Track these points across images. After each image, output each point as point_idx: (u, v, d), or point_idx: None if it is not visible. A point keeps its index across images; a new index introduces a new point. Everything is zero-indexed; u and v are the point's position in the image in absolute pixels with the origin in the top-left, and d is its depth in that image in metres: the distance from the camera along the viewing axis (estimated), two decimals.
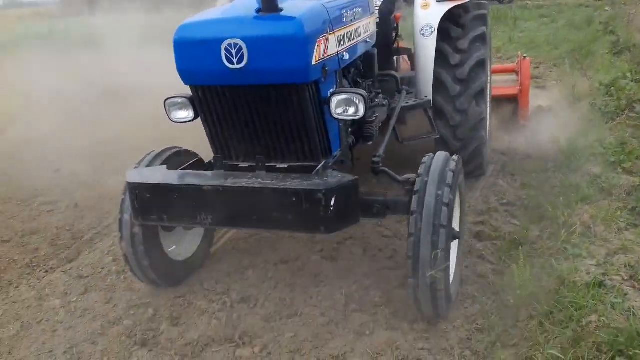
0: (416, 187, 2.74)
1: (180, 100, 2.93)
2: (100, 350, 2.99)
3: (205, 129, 3.00)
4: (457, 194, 3.00)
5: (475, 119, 4.34)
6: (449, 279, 2.80)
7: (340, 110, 2.76)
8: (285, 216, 2.59)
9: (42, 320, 3.30)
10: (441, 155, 2.92)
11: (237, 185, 2.67)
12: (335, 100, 2.75)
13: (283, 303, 3.28)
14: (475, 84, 4.29)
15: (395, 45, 4.61)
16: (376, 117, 3.50)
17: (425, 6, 4.23)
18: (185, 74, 2.76)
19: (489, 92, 4.92)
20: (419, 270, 2.65)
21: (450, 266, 2.87)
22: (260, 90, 2.70)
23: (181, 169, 3.09)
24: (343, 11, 2.97)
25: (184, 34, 2.68)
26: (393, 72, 4.26)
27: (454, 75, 4.28)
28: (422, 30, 4.19)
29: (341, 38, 2.89)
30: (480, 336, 2.86)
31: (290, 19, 2.53)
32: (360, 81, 3.59)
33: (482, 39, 4.38)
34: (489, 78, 4.68)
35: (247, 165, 2.99)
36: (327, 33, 2.69)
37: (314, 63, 2.58)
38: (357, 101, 2.73)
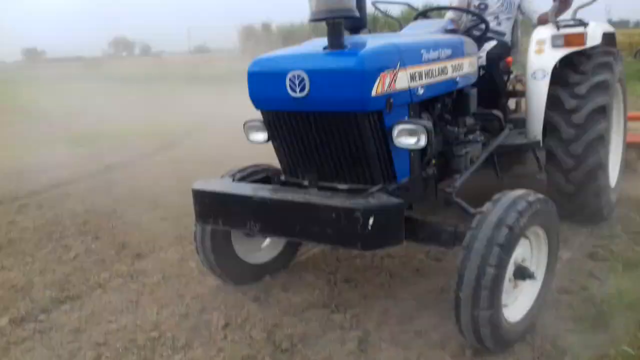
0: (473, 224, 2.76)
1: (256, 123, 3.27)
2: (220, 300, 3.51)
3: (274, 150, 3.31)
4: (540, 235, 3.02)
5: (591, 165, 4.19)
6: (499, 318, 2.74)
7: (402, 140, 2.89)
8: (325, 230, 2.73)
9: (179, 275, 3.95)
10: (515, 192, 2.90)
11: (281, 198, 2.90)
12: (397, 129, 2.89)
13: (381, 287, 3.58)
14: (592, 129, 4.16)
15: (510, 87, 4.82)
16: (466, 152, 3.63)
17: (539, 51, 4.29)
18: (255, 101, 3.12)
19: (617, 139, 4.99)
20: (460, 307, 2.68)
21: (515, 306, 2.95)
22: (321, 116, 2.94)
23: (245, 182, 3.40)
24: (423, 51, 3.12)
25: (255, 66, 3.06)
26: (495, 112, 4.35)
27: (569, 119, 4.21)
28: (534, 73, 4.27)
29: (415, 75, 3.02)
30: None
31: (351, 54, 2.78)
32: (447, 117, 3.67)
33: (605, 86, 4.28)
34: (611, 125, 4.51)
35: (307, 184, 3.20)
36: (395, 69, 2.85)
37: (374, 95, 2.75)
38: (419, 131, 2.85)
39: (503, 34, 4.72)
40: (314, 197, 2.85)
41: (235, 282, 3.74)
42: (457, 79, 3.52)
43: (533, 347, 2.91)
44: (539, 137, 4.30)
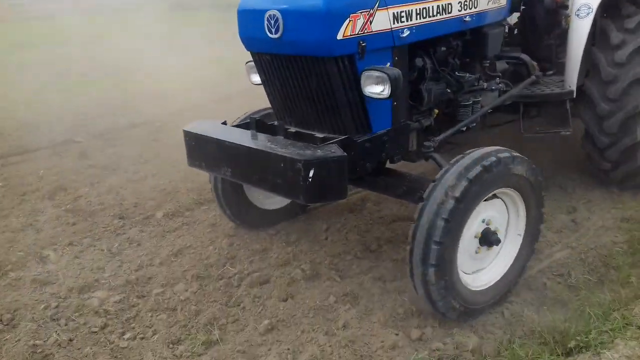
0: (437, 176, 2.71)
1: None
2: (323, 210, 4.30)
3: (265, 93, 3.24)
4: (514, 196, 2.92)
5: (630, 111, 3.84)
6: (451, 279, 2.70)
7: (369, 88, 2.72)
8: (275, 180, 2.66)
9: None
10: (491, 148, 2.80)
11: (244, 145, 2.80)
12: (364, 77, 2.72)
13: None
14: (635, 70, 3.81)
15: (564, 25, 4.22)
16: (474, 101, 3.45)
17: None
18: (244, 41, 3.02)
19: None
20: (411, 261, 2.69)
21: (480, 275, 2.96)
22: (295, 60, 2.82)
23: (234, 125, 3.34)
24: None
25: (242, 4, 2.95)
26: (521, 55, 4.01)
27: (612, 58, 3.85)
28: (578, 10, 3.79)
29: (401, 14, 2.78)
30: None
31: None
32: (454, 61, 3.38)
33: None
34: None
35: (294, 131, 3.09)
36: (371, 9, 2.63)
37: (339, 38, 2.57)
38: (383, 79, 2.66)
39: None
40: (270, 145, 2.75)
41: (250, 227, 4.00)
42: (467, 17, 3.22)
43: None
44: (573, 86, 3.90)
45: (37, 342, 2.93)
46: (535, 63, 4.05)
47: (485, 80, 3.64)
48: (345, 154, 2.59)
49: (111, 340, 2.95)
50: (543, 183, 3.01)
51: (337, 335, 2.90)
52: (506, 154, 2.75)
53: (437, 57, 3.24)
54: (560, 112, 4.05)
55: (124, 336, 2.98)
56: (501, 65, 3.91)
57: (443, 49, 3.26)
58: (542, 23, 4.21)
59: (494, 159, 2.68)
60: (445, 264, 2.62)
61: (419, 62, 3.14)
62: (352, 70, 2.72)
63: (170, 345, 2.89)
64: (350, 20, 2.57)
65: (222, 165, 2.94)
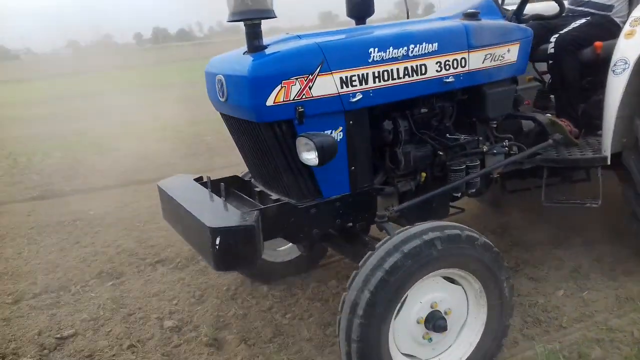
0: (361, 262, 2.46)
1: None
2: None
3: None
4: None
5: None
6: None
7: (304, 155, 2.59)
8: (199, 242, 2.58)
9: None
10: (437, 223, 2.54)
11: (181, 205, 2.74)
12: (297, 143, 2.60)
13: None
14: None
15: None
16: (468, 165, 3.15)
17: (630, 34, 3.23)
18: (210, 100, 3.04)
19: None
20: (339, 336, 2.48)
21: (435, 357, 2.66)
22: (240, 123, 2.85)
23: (201, 182, 3.21)
24: (372, 50, 2.68)
25: (207, 66, 3.00)
26: (535, 115, 3.54)
27: None
28: (614, 65, 3.24)
29: (352, 78, 2.64)
30: None
31: (253, 59, 2.54)
32: (443, 123, 3.14)
33: None
34: None
35: (259, 190, 3.10)
36: (310, 74, 2.54)
37: (269, 104, 2.50)
38: (310, 147, 2.52)
39: (608, 8, 3.73)
40: (199, 207, 2.69)
41: (255, 279, 3.93)
42: (450, 78, 2.94)
43: None
44: (607, 152, 3.30)
45: (220, 313, 3.68)
46: (565, 124, 3.54)
47: (492, 143, 3.31)
48: (253, 224, 2.42)
49: (276, 318, 3.57)
50: (505, 270, 2.62)
51: None
52: (455, 231, 2.46)
53: (415, 119, 3.00)
54: (591, 180, 3.53)
55: (286, 315, 3.58)
56: (525, 125, 3.52)
57: (423, 110, 3.03)
58: (576, 78, 3.66)
59: (437, 234, 2.41)
60: (371, 343, 2.37)
61: (388, 125, 2.94)
62: (291, 135, 2.63)
63: (322, 327, 3.43)
64: (282, 87, 2.50)
65: (176, 223, 2.93)
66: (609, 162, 3.32)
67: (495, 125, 3.33)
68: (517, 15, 3.41)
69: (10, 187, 7.68)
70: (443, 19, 3.20)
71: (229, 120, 3.00)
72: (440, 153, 3.08)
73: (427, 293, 2.53)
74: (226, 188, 2.87)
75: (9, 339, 3.56)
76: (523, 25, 3.32)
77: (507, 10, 3.53)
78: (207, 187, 3.03)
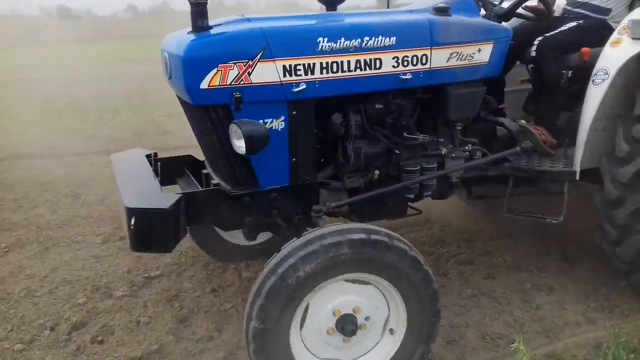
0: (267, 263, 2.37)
1: None
2: None
3: None
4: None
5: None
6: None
7: (235, 142, 2.50)
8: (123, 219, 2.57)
9: None
10: (349, 225, 2.41)
11: (117, 180, 2.77)
12: (230, 130, 2.52)
13: None
14: None
15: None
16: (423, 167, 2.98)
17: (616, 43, 3.02)
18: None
19: None
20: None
21: None
22: (183, 103, 2.80)
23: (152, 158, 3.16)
24: (321, 39, 2.57)
25: (162, 42, 2.83)
26: (505, 121, 3.33)
27: (629, 131, 2.98)
28: (594, 75, 3.05)
29: (296, 67, 2.54)
30: None
31: (193, 40, 2.45)
32: (400, 121, 2.99)
33: None
34: None
35: (206, 172, 3.09)
36: (251, 60, 2.45)
37: (203, 87, 2.42)
38: (238, 135, 2.45)
39: (605, 12, 3.53)
40: (126, 183, 2.72)
41: (220, 260, 3.84)
42: (408, 75, 2.78)
43: None
44: (577, 166, 3.10)
45: None
46: (539, 132, 3.39)
47: (455, 146, 3.13)
48: (167, 207, 2.38)
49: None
50: (429, 282, 2.46)
51: (530, 312, 3.31)
52: (361, 235, 2.30)
53: (368, 114, 2.87)
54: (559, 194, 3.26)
55: None
56: (498, 130, 3.34)
57: (378, 106, 2.88)
58: (557, 85, 3.48)
59: (339, 238, 2.26)
60: (268, 347, 2.30)
61: (337, 118, 2.83)
62: (227, 120, 2.54)
63: None
64: (218, 71, 2.41)
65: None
66: (577, 177, 3.09)
67: (459, 128, 3.15)
68: (500, 13, 3.22)
69: (86, 140, 8.08)
70: (411, 11, 3.01)
71: (178, 99, 2.91)
72: (396, 152, 2.96)
73: (337, 297, 2.42)
74: (162, 167, 2.95)
75: (100, 274, 3.90)
76: (502, 25, 3.13)
77: (493, 5, 3.31)
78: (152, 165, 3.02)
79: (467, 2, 3.09)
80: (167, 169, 3.09)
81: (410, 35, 2.77)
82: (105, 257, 4.15)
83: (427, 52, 2.81)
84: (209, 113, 2.56)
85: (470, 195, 3.58)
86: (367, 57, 2.67)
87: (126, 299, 3.54)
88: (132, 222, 2.36)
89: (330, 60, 2.60)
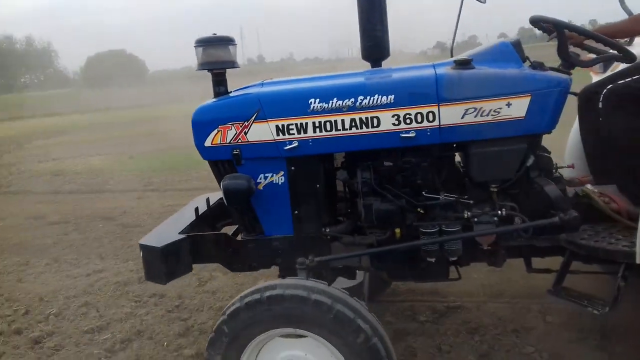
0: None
1: None
2: None
3: None
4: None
5: None
6: None
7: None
8: None
9: None
10: (296, 281, 2.52)
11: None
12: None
13: None
14: None
15: None
16: (443, 229, 2.71)
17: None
18: None
19: None
20: None
21: None
22: None
23: None
24: (312, 100, 2.69)
25: None
26: (546, 188, 2.77)
27: None
28: None
29: (290, 127, 2.74)
30: None
31: (202, 105, 2.91)
32: (418, 182, 2.82)
33: None
34: None
35: None
36: (245, 121, 2.76)
37: (207, 145, 2.84)
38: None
39: None
40: (170, 220, 3.36)
41: None
42: (411, 132, 2.66)
43: None
44: (639, 247, 2.48)
45: None
46: (605, 199, 2.86)
47: (492, 209, 2.76)
48: (159, 247, 2.83)
49: None
50: (359, 334, 2.33)
51: None
52: (278, 291, 2.40)
53: (377, 171, 2.85)
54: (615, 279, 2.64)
55: None
56: (552, 193, 2.76)
57: (387, 164, 2.83)
58: (630, 143, 2.83)
59: (238, 305, 2.45)
60: None
61: (341, 174, 2.98)
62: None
63: None
64: (219, 131, 2.81)
65: None
66: (637, 261, 2.47)
67: (494, 190, 2.79)
68: (575, 62, 2.80)
69: None
70: (431, 66, 2.82)
71: None
72: (415, 211, 2.85)
73: (286, 350, 2.55)
74: (217, 207, 3.41)
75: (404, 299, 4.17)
76: (551, 74, 2.69)
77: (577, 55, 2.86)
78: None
79: (506, 51, 2.78)
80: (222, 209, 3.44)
81: (412, 92, 2.67)
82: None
83: (434, 108, 2.65)
84: (217, 167, 2.97)
85: (529, 267, 3.08)
86: (363, 115, 2.69)
87: (428, 324, 3.72)
88: (142, 254, 2.93)
89: (322, 119, 2.72)
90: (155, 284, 3.66)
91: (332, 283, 2.87)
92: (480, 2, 3.19)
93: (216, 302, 4.48)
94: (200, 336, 3.93)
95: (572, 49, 2.89)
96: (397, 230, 2.89)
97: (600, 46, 2.91)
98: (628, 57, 2.78)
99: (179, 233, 3.01)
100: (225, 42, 2.89)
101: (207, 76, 2.96)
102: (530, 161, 2.76)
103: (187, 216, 3.32)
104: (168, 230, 3.11)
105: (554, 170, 2.93)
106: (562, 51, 2.79)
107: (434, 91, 2.63)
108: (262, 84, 3.02)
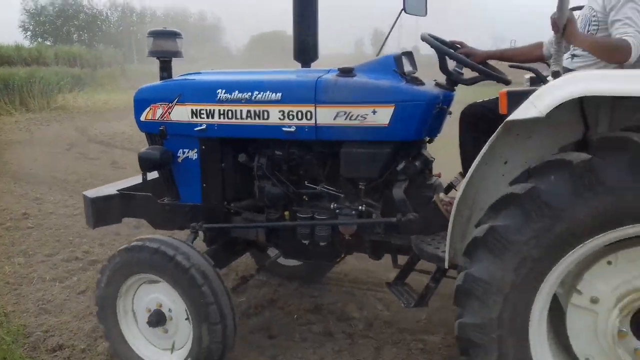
0: None
1: None
2: None
3: None
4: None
5: None
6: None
7: None
8: None
9: None
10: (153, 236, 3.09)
11: None
12: None
13: None
14: None
15: None
16: (313, 216, 3.14)
17: None
18: None
19: None
20: None
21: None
22: None
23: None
24: (220, 90, 3.16)
25: None
26: (397, 191, 2.97)
27: None
28: None
29: (200, 111, 3.23)
30: None
31: (142, 87, 3.50)
32: (300, 173, 3.26)
33: None
34: None
35: None
36: (170, 102, 3.29)
37: (142, 119, 3.41)
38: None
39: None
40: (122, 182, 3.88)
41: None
42: (292, 127, 3.02)
43: None
44: (446, 252, 2.64)
45: None
46: (444, 203, 2.99)
47: (349, 204, 3.09)
48: (93, 197, 3.49)
49: None
50: (184, 269, 2.87)
51: None
52: (138, 243, 3.03)
53: (270, 159, 3.25)
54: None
55: None
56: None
57: (277, 153, 3.22)
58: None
59: (140, 243, 3.02)
60: (110, 327, 3.20)
61: (241, 157, 3.33)
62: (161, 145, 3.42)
63: None
64: (150, 109, 3.36)
65: None
66: (446, 266, 2.67)
67: (362, 187, 3.06)
68: (457, 80, 3.06)
69: None
70: (317, 71, 3.14)
71: None
72: (297, 198, 3.24)
73: (147, 296, 3.14)
74: None
75: None
76: (417, 88, 2.92)
77: (459, 72, 3.07)
78: None
79: (384, 63, 3.02)
80: None
81: (296, 93, 3.03)
82: None
83: (312, 108, 2.99)
84: (150, 138, 3.54)
85: (373, 256, 3.32)
86: (256, 108, 3.11)
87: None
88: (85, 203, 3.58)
89: (226, 108, 3.19)
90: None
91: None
92: (420, 15, 3.42)
93: (345, 285, 4.51)
94: (329, 315, 3.97)
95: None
96: (287, 213, 3.30)
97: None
98: (502, 81, 3.02)
99: (117, 190, 3.62)
100: (173, 35, 3.43)
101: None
102: (401, 165, 3.00)
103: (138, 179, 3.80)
104: (113, 187, 3.72)
105: (429, 176, 3.21)
106: (443, 70, 3.04)
107: (312, 93, 2.96)
108: (199, 73, 3.55)
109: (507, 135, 2.34)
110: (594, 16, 2.84)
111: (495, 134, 2.29)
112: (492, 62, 3.28)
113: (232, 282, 4.35)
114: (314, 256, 3.42)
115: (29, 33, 54.30)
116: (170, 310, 3.07)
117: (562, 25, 2.33)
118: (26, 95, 17.47)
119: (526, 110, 2.11)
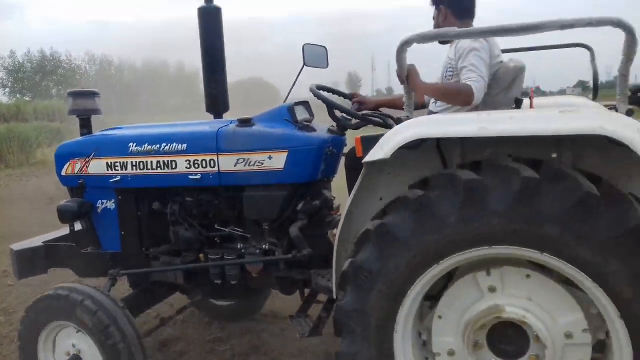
0: None
1: None
2: None
3: None
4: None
5: None
6: None
7: None
8: None
9: None
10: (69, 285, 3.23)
11: None
12: None
13: None
14: None
15: None
16: (223, 257, 3.29)
17: None
18: None
19: None
20: None
21: None
22: None
23: None
24: (132, 144, 3.35)
25: None
26: (293, 230, 3.16)
27: None
28: None
29: (114, 164, 3.40)
30: None
31: (63, 143, 3.69)
32: (210, 217, 3.42)
33: None
34: None
35: None
36: (87, 157, 3.47)
37: (63, 174, 3.57)
38: None
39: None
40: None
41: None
42: (198, 175, 3.24)
43: None
44: (332, 283, 2.79)
45: None
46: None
47: (254, 243, 3.29)
48: (17, 250, 3.63)
49: None
50: (91, 314, 3.02)
51: None
52: (75, 295, 3.09)
53: (182, 205, 3.42)
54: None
55: None
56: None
57: (188, 199, 3.40)
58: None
59: (60, 292, 3.14)
60: None
61: (156, 205, 3.45)
62: (83, 198, 3.57)
63: None
64: (70, 164, 3.53)
65: None
66: (334, 296, 2.77)
67: (266, 227, 3.27)
68: (345, 125, 3.31)
69: None
70: (221, 122, 3.41)
71: None
72: (209, 240, 3.43)
73: (66, 340, 3.25)
74: None
75: None
76: (308, 134, 3.16)
77: (347, 119, 3.34)
78: None
79: (279, 113, 3.27)
80: None
81: (199, 143, 3.25)
82: None
83: (214, 157, 3.22)
84: (71, 191, 3.66)
85: (283, 291, 3.49)
86: (165, 158, 3.32)
87: None
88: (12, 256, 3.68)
89: (137, 160, 3.37)
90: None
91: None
92: (321, 67, 3.70)
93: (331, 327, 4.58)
94: (314, 359, 3.94)
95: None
96: (201, 255, 3.46)
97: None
98: (384, 125, 3.28)
99: (42, 242, 3.76)
100: (91, 94, 3.68)
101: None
102: (300, 205, 3.22)
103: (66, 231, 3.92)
104: (39, 239, 3.85)
105: (328, 214, 3.42)
106: (332, 117, 3.30)
107: (214, 143, 3.19)
108: (119, 128, 3.75)
109: (379, 173, 2.60)
110: (449, 64, 3.15)
111: (360, 175, 2.53)
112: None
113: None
114: (229, 295, 3.61)
115: (7, 89, 54.77)
116: (84, 353, 3.19)
117: (404, 77, 2.56)
118: (5, 151, 17.59)
119: (375, 153, 2.36)
